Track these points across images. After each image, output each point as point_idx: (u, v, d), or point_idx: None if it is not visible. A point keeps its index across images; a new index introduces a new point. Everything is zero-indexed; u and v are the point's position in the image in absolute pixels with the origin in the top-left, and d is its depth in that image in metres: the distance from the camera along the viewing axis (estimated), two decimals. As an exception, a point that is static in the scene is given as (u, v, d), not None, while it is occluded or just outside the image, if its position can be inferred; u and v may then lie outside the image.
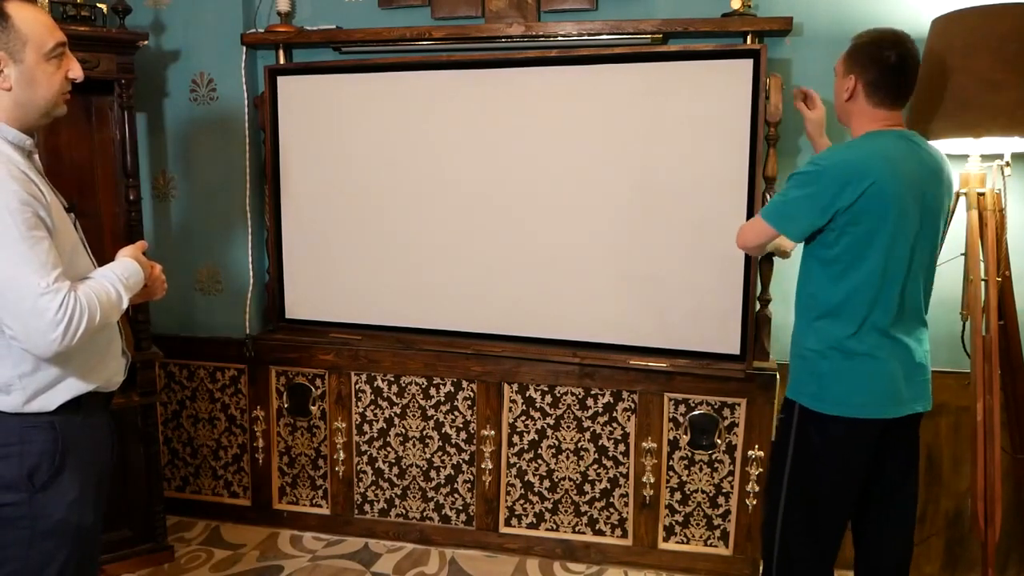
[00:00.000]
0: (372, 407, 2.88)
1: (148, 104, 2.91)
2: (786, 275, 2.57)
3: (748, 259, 2.44)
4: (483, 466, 2.79)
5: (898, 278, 1.81)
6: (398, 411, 2.86)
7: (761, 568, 2.12)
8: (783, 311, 2.59)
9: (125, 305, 1.50)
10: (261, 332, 3.00)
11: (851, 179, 1.75)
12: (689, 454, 2.63)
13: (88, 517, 1.53)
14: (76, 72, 1.52)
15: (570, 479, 2.74)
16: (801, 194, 1.81)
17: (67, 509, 1.48)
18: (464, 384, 2.78)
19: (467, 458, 2.82)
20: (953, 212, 2.15)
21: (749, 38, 2.42)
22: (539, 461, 2.76)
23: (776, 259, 2.51)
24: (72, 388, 1.50)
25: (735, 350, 2.51)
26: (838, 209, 1.77)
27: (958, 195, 2.14)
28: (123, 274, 1.51)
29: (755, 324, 2.50)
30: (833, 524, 1.95)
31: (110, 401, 1.65)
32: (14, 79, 1.44)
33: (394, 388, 2.85)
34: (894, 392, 1.85)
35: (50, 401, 1.47)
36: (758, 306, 2.52)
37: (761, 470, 2.55)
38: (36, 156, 1.54)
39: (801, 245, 1.96)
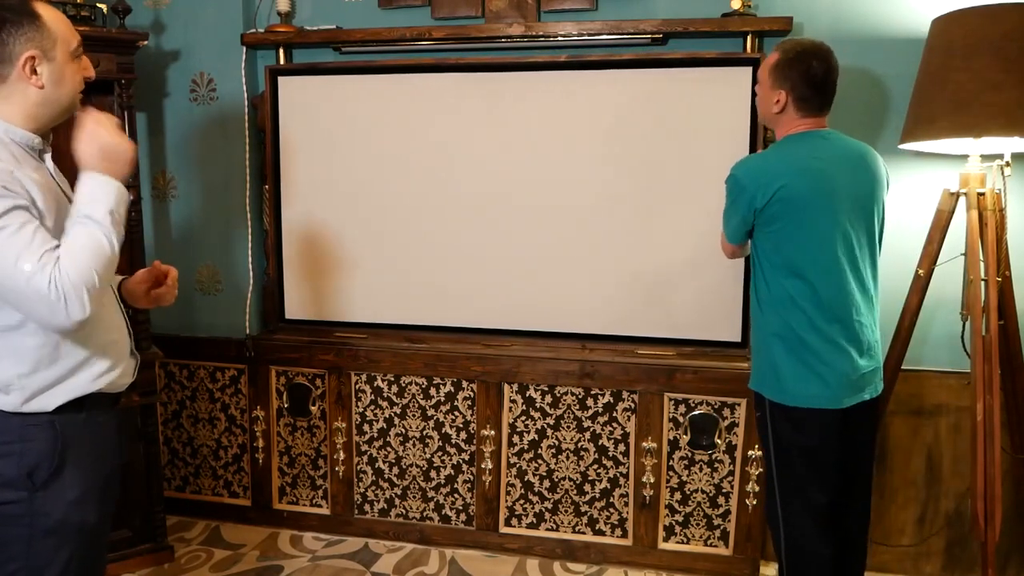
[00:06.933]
0: (372, 407, 2.88)
1: (148, 104, 2.91)
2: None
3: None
4: (483, 466, 2.79)
5: (837, 266, 1.88)
6: (398, 411, 2.86)
7: (776, 568, 2.15)
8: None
9: (116, 241, 1.42)
10: (261, 332, 3.00)
11: (760, 185, 1.87)
12: (689, 454, 2.63)
13: (91, 517, 1.51)
14: (90, 71, 1.54)
15: (570, 479, 2.74)
16: (728, 202, 1.98)
17: (67, 508, 1.47)
18: (464, 384, 2.78)
19: (467, 458, 2.82)
20: (952, 213, 2.16)
21: (749, 38, 2.43)
22: (539, 461, 2.76)
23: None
24: (72, 389, 1.49)
25: (737, 337, 2.60)
26: (755, 211, 1.89)
27: (957, 195, 2.14)
28: (96, 213, 1.42)
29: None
30: (827, 502, 1.99)
31: (117, 402, 1.64)
32: (46, 77, 1.45)
33: (394, 388, 2.85)
34: (846, 382, 1.91)
35: (49, 402, 1.46)
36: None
37: (761, 470, 2.55)
38: (48, 155, 1.53)
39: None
